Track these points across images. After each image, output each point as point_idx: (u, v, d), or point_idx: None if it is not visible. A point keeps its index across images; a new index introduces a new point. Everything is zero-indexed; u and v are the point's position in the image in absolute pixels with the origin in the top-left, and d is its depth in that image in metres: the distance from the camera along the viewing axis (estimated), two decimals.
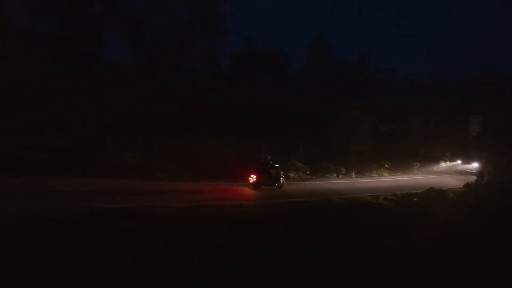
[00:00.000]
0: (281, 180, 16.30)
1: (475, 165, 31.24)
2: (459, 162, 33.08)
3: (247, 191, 15.12)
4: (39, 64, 25.19)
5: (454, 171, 31.67)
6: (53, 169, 12.81)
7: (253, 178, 15.31)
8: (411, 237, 10.74)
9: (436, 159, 32.30)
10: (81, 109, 21.87)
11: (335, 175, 21.77)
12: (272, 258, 6.77)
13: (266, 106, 31.51)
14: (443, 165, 32.07)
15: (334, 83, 43.80)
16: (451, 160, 33.08)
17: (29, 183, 11.04)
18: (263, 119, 27.63)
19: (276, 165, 16.20)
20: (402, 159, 28.75)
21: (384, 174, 25.56)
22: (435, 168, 31.25)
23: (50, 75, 24.22)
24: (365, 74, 47.23)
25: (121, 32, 36.25)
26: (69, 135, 16.72)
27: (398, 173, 26.75)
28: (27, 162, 13.03)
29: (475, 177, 25.36)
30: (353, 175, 22.94)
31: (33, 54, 25.89)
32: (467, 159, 32.92)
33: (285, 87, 50.28)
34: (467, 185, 22.50)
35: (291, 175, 18.45)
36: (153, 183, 13.66)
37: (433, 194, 19.20)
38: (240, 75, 46.73)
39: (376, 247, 9.02)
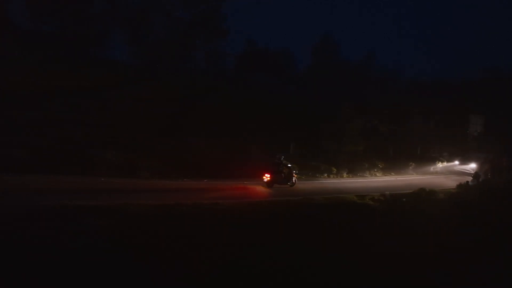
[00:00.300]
0: (293, 179, 17.46)
1: (472, 165, 31.05)
2: (456, 162, 32.90)
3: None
4: (39, 64, 25.66)
5: (451, 172, 31.52)
6: (44, 168, 13.07)
7: (267, 177, 16.49)
8: (387, 236, 10.96)
9: (433, 160, 32.11)
10: (79, 109, 22.18)
11: (325, 175, 21.83)
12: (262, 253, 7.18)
13: (265, 106, 31.63)
14: (440, 165, 31.89)
15: (335, 82, 43.74)
16: (449, 161, 32.88)
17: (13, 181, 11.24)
18: (261, 119, 27.79)
19: (289, 165, 17.42)
20: (397, 159, 28.68)
21: (377, 174, 25.55)
22: (431, 168, 31.10)
23: (49, 75, 24.68)
24: (365, 74, 47.05)
25: (122, 32, 36.67)
26: (62, 134, 17.05)
27: (392, 173, 26.72)
28: (18, 160, 13.34)
29: (471, 178, 25.29)
30: (345, 175, 22.97)
31: (33, 54, 26.36)
32: (465, 160, 32.72)
33: (286, 87, 50.31)
34: (459, 186, 22.48)
35: None
36: (137, 182, 13.94)
37: (423, 195, 19.24)
38: (241, 75, 46.90)
39: (349, 241, 9.63)
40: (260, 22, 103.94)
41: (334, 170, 22.35)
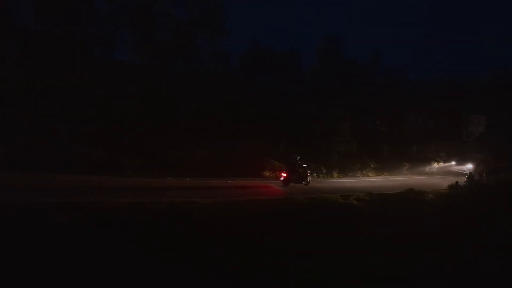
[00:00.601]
0: (308, 178, 18.40)
1: (469, 166, 30.82)
2: (453, 163, 32.65)
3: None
4: (39, 64, 26.21)
5: (448, 172, 31.32)
6: (29, 166, 13.40)
7: (283, 176, 17.41)
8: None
9: (430, 160, 31.92)
10: (77, 109, 22.54)
11: (315, 174, 21.88)
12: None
13: (265, 106, 31.76)
14: (436, 166, 31.68)
15: (337, 82, 43.68)
16: (445, 161, 32.65)
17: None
18: (261, 119, 27.91)
19: (304, 165, 18.37)
20: (392, 159, 28.58)
21: (370, 174, 25.54)
22: (427, 169, 30.92)
23: (49, 75, 25.19)
24: (367, 74, 46.87)
25: (124, 32, 37.15)
26: (60, 134, 17.35)
27: (385, 174, 26.66)
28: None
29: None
30: (335, 174, 23.01)
31: (33, 53, 26.92)
32: (462, 160, 32.47)
33: (289, 87, 50.34)
34: (451, 186, 22.41)
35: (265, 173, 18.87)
36: (123, 179, 14.27)
37: (411, 195, 19.21)
38: (244, 75, 47.12)
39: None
40: (263, 22, 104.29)
41: (324, 169, 22.41)
